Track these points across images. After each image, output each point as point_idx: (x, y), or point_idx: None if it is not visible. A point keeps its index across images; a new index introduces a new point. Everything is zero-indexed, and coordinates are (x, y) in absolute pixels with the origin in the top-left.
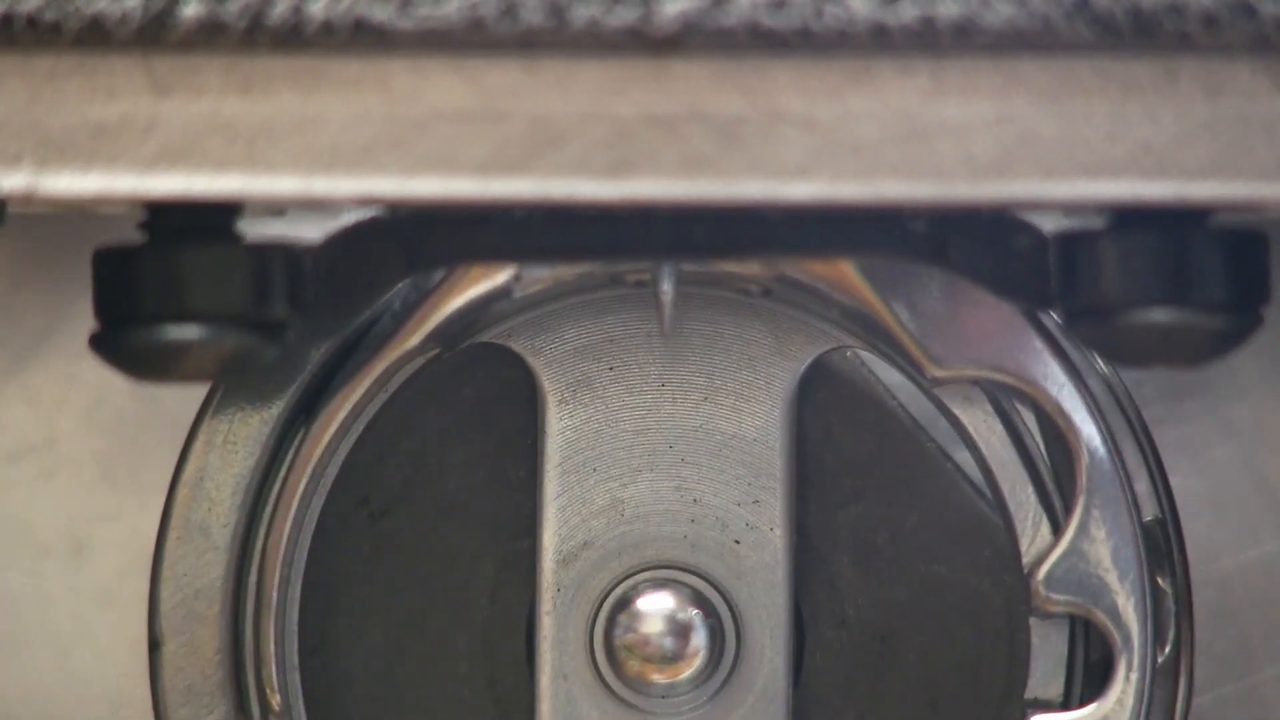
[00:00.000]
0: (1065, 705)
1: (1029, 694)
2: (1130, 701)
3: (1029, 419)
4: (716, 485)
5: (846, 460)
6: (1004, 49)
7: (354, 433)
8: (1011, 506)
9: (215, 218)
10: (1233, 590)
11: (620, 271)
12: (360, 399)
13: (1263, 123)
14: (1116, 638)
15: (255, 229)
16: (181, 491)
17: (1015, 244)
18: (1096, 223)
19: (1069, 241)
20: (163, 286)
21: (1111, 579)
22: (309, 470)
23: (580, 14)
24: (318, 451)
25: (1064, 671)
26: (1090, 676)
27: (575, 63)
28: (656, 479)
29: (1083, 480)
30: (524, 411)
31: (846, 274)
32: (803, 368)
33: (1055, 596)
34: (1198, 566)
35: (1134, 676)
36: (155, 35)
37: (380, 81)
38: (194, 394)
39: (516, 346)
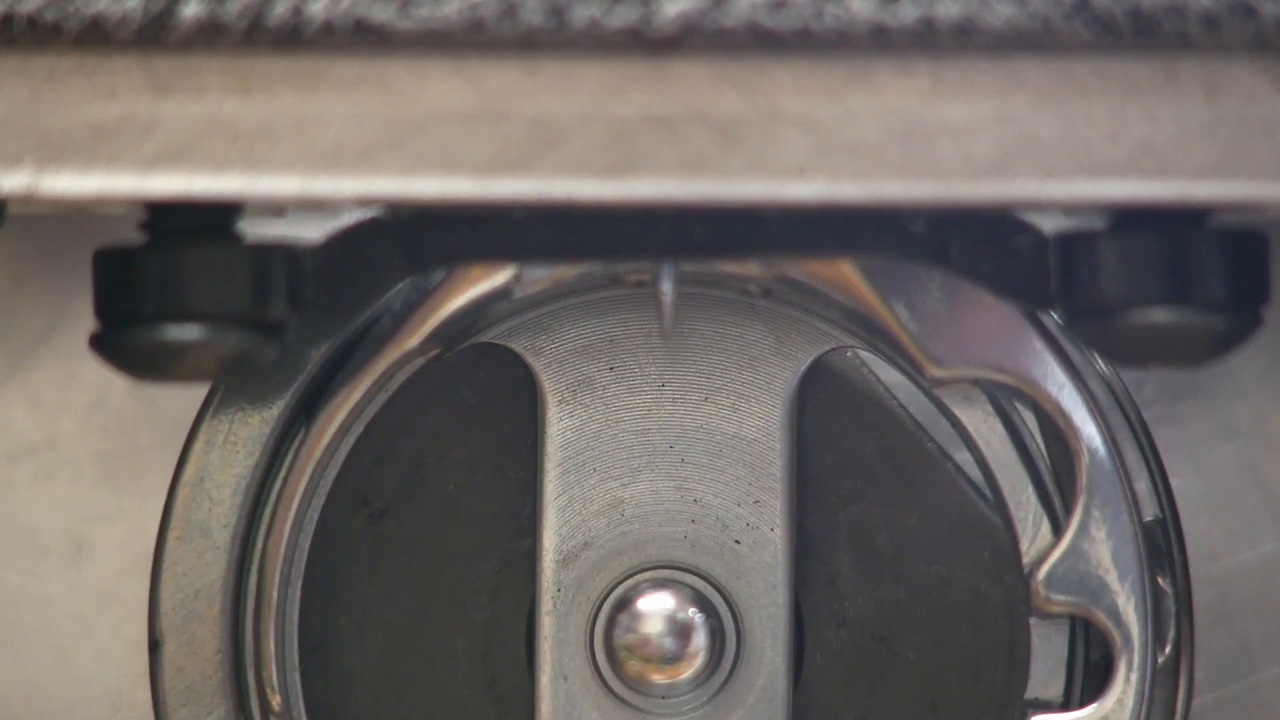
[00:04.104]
0: (1065, 706)
1: (1029, 694)
2: (1130, 702)
3: (1029, 419)
4: (717, 485)
5: (846, 460)
6: (1004, 49)
7: (354, 433)
8: (1011, 506)
9: (215, 218)
10: (1233, 590)
11: (620, 271)
12: (360, 399)
13: (1263, 123)
14: (1116, 638)
15: (255, 229)
16: (181, 491)
17: (1015, 244)
18: (1096, 223)
19: (1069, 241)
20: (163, 286)
21: (1111, 579)
22: (309, 470)
23: (580, 14)
24: (318, 451)
25: (1064, 672)
26: (1090, 677)
27: (575, 63)
28: (656, 479)
29: (1083, 480)
30: (524, 411)
31: (846, 274)
32: (803, 368)
33: (1055, 596)
34: (1198, 566)
35: (1134, 677)
36: (155, 35)
37: (380, 82)
38: (194, 394)
39: (516, 346)
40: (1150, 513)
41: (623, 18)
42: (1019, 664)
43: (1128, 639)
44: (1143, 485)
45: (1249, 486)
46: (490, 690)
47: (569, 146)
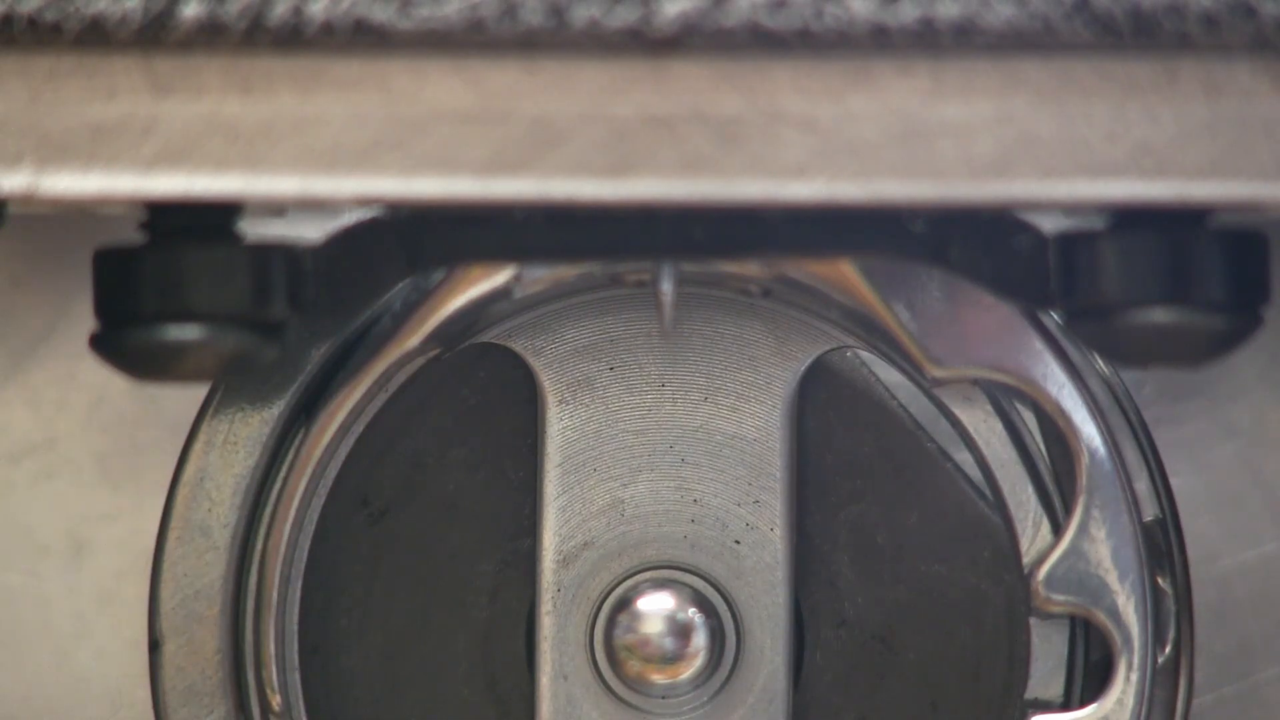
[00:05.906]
0: (1065, 705)
1: (1029, 694)
2: (1130, 702)
3: (1029, 419)
4: (716, 485)
5: (846, 460)
6: (1004, 49)
7: (354, 433)
8: (1011, 506)
9: (215, 218)
10: (1233, 590)
11: (620, 271)
12: (360, 399)
13: (1263, 123)
14: (1116, 638)
15: (255, 229)
16: (181, 491)
17: (1015, 244)
18: (1096, 223)
19: (1069, 241)
20: (163, 286)
21: (1111, 579)
22: (309, 470)
23: (580, 14)
24: (318, 451)
25: (1064, 671)
26: (1090, 676)
27: (575, 63)
28: (656, 479)
29: (1083, 480)
30: (524, 411)
31: (846, 274)
32: (803, 368)
33: (1055, 596)
34: (1198, 566)
35: (1134, 677)
36: (155, 35)
37: (380, 82)
38: (194, 394)
39: (516, 346)
40: (1150, 513)
41: (623, 18)
42: (1019, 664)
43: (1128, 639)
44: (1143, 485)
45: (1249, 486)
46: (490, 690)
47: (569, 146)
